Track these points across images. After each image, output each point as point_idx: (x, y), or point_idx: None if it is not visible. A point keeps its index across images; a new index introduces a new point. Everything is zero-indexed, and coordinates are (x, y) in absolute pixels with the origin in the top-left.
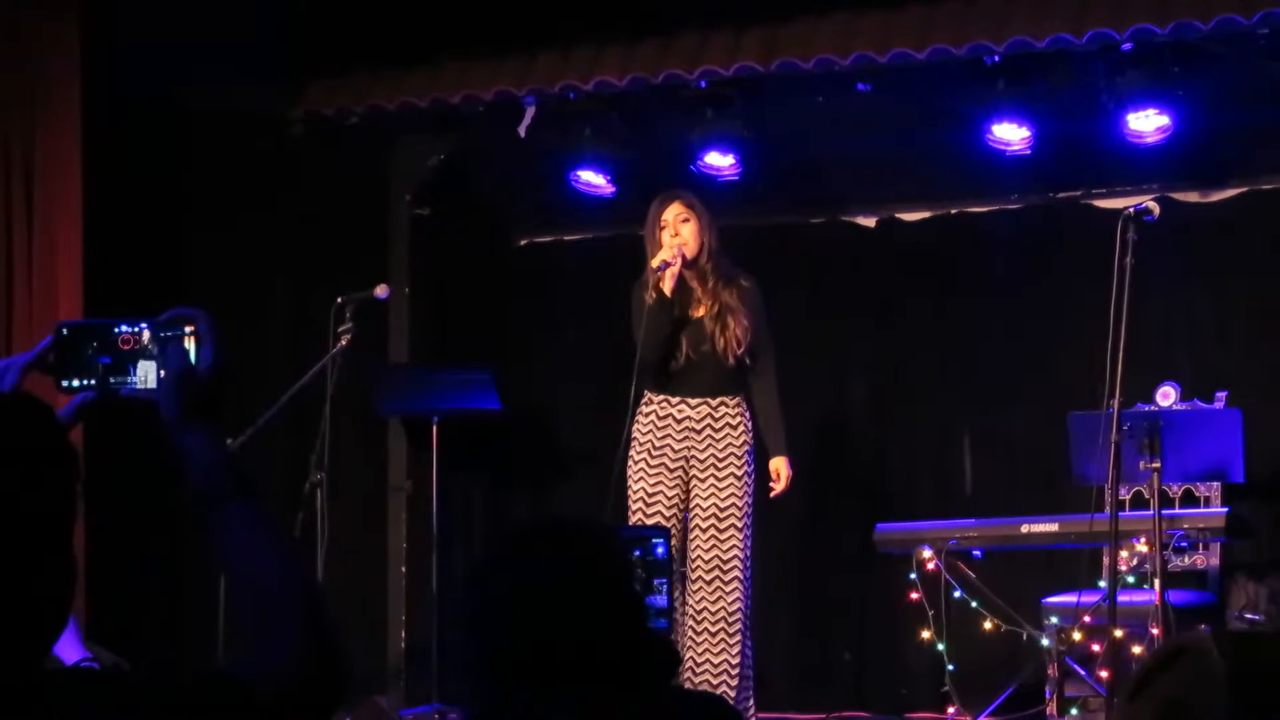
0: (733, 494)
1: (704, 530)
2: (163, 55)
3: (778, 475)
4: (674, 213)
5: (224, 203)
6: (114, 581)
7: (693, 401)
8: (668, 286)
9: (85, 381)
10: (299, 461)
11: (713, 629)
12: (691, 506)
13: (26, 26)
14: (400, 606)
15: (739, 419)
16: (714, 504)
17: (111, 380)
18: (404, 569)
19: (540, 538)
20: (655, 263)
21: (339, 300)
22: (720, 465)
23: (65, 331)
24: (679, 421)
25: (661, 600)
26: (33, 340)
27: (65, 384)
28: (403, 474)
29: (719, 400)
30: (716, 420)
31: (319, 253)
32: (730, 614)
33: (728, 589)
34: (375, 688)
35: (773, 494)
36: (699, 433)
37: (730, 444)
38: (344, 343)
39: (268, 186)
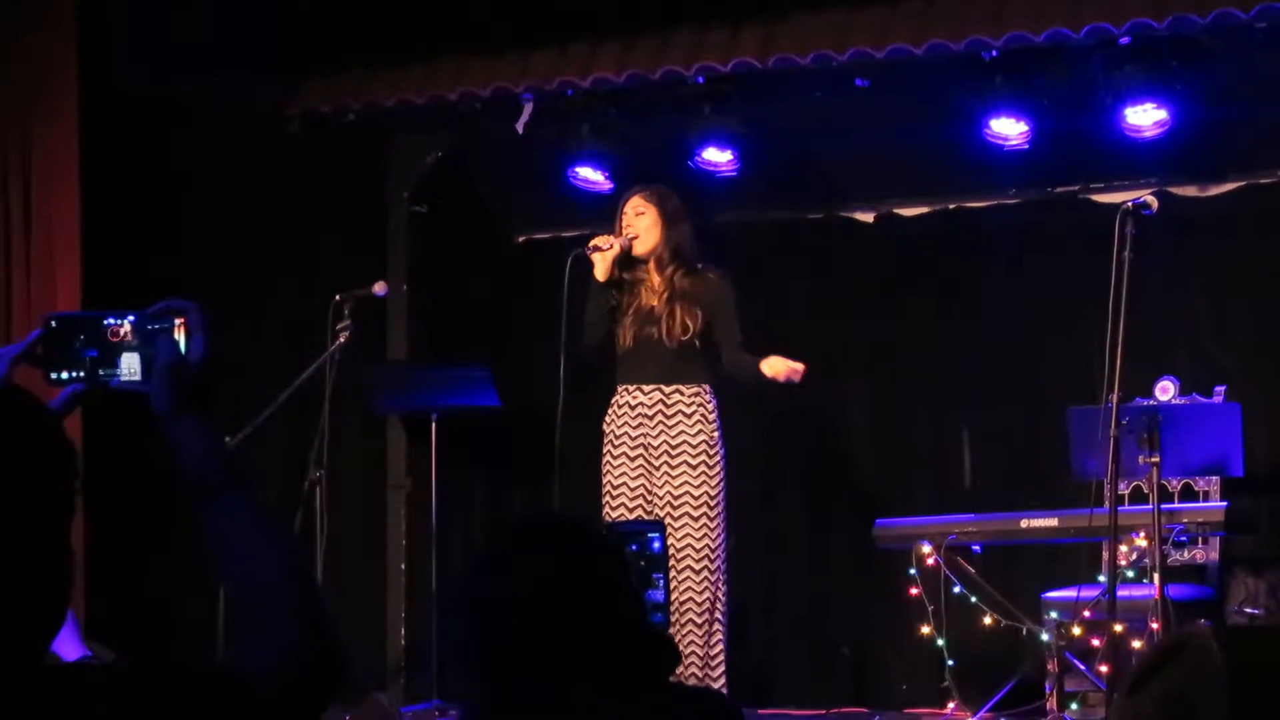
0: (687, 483)
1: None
2: (160, 52)
3: (780, 365)
4: (631, 205)
5: (221, 200)
6: (113, 578)
7: (645, 388)
8: (599, 271)
9: (74, 374)
10: (298, 459)
11: (680, 619)
12: (652, 496)
13: (24, 23)
14: (400, 604)
15: (696, 408)
16: (669, 493)
17: (100, 373)
18: (403, 566)
19: (538, 534)
20: (589, 245)
21: (337, 297)
22: (674, 454)
23: (54, 324)
24: (633, 409)
25: (659, 595)
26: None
27: (54, 376)
28: (402, 471)
29: (672, 388)
30: (669, 408)
31: (317, 250)
32: (698, 604)
33: (696, 579)
34: (375, 685)
35: (793, 373)
36: (651, 419)
37: (684, 432)
38: (342, 340)
39: (265, 184)
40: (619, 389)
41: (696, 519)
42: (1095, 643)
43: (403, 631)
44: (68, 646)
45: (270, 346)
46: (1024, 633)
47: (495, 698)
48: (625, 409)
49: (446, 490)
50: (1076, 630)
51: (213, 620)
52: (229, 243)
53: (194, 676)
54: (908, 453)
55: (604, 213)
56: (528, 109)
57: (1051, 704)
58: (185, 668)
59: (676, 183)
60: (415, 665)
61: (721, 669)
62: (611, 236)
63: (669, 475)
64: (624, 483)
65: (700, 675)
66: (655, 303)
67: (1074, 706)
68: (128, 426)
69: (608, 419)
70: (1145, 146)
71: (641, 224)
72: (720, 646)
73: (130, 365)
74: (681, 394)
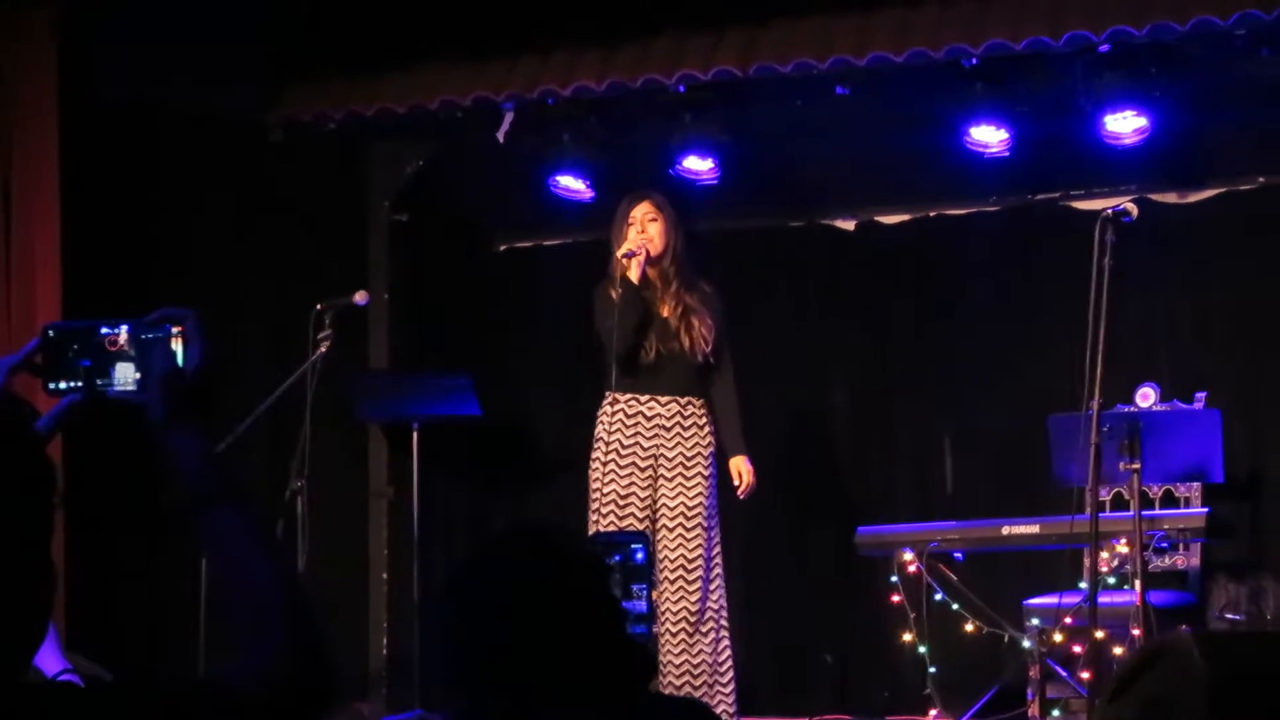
0: (700, 493)
1: (671, 530)
2: (141, 60)
3: (739, 475)
4: (643, 211)
5: (202, 209)
6: (94, 590)
7: (663, 399)
8: (635, 275)
9: (72, 384)
10: (279, 469)
11: (674, 629)
12: (659, 506)
13: (2, 30)
14: (382, 613)
15: (704, 419)
16: (682, 503)
17: (98, 382)
18: (385, 575)
19: (518, 545)
20: (620, 251)
21: (318, 307)
22: (688, 464)
23: (52, 333)
24: (649, 419)
25: (641, 606)
26: (11, 342)
27: (53, 386)
28: (383, 480)
29: (686, 399)
30: (685, 419)
31: (297, 259)
32: (691, 614)
33: (691, 589)
34: (357, 694)
35: (740, 493)
36: (669, 431)
37: (697, 444)
38: (323, 349)
39: (246, 192)
40: (624, 397)
41: (707, 529)
42: (1077, 649)
43: (385, 641)
44: (49, 660)
45: (251, 356)
46: (1006, 639)
47: (476, 707)
48: (640, 418)
49: (428, 499)
50: (1058, 637)
51: (194, 631)
52: (210, 252)
53: (179, 690)
54: (889, 460)
55: (586, 221)
56: (508, 118)
57: (1034, 711)
58: (170, 681)
59: (658, 191)
60: (397, 675)
61: (731, 675)
62: (637, 241)
63: (683, 485)
64: (633, 493)
65: (709, 683)
66: (666, 313)
67: (1056, 713)
68: (110, 439)
69: (608, 427)
70: (1125, 153)
71: (655, 229)
72: (729, 654)
73: (125, 374)
74: (694, 405)
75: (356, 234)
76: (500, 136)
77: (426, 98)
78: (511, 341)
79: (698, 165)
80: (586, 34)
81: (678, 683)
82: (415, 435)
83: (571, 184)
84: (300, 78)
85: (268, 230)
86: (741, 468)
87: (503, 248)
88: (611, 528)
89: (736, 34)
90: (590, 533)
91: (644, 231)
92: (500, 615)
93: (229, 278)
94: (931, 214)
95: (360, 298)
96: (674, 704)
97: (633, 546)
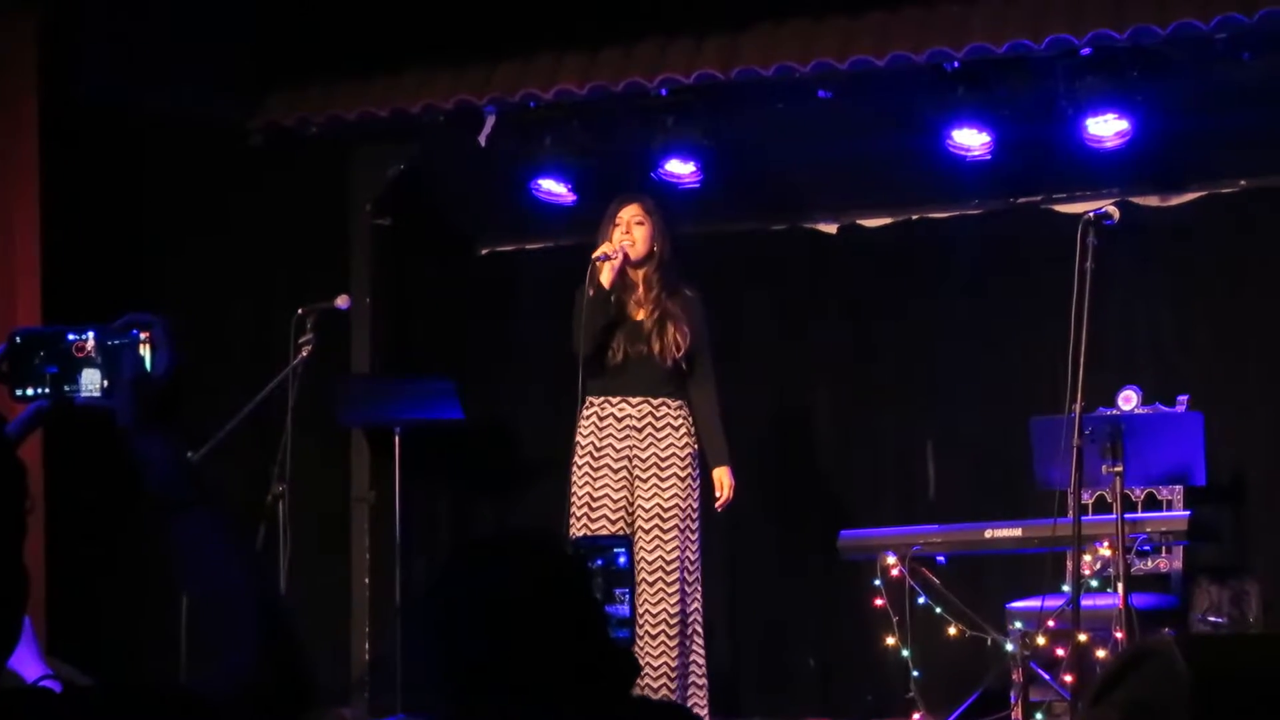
0: (675, 495)
1: (647, 532)
2: (123, 65)
3: (721, 485)
4: (630, 213)
5: (183, 214)
6: (74, 595)
7: (633, 400)
8: (606, 279)
9: (39, 390)
10: (261, 474)
11: (653, 631)
12: (635, 508)
13: None
14: (364, 618)
15: (681, 421)
16: (657, 505)
17: (66, 389)
18: (367, 580)
19: (501, 549)
20: (596, 254)
21: (300, 311)
22: (663, 466)
23: (19, 339)
24: (620, 421)
25: (624, 610)
26: None
27: (20, 393)
28: (365, 485)
29: (660, 400)
30: (658, 420)
31: (279, 264)
32: (671, 616)
33: (670, 591)
34: (339, 699)
35: (718, 504)
36: (640, 431)
37: (672, 445)
38: (305, 354)
39: (227, 197)
40: (597, 400)
41: (684, 531)
42: (1060, 652)
43: (367, 645)
44: (28, 665)
45: (232, 360)
46: (989, 643)
47: (459, 711)
48: (611, 420)
49: (410, 504)
50: (1041, 640)
51: (175, 637)
52: (191, 256)
53: (156, 698)
54: (872, 464)
55: (568, 225)
56: (490, 121)
57: (1017, 714)
58: (148, 689)
59: (649, 195)
60: (379, 679)
61: (704, 681)
62: (610, 245)
63: (658, 487)
64: (605, 495)
65: (673, 688)
66: (642, 316)
67: (1039, 716)
68: (88, 443)
69: (583, 431)
70: (1107, 157)
71: (639, 233)
72: (704, 658)
73: (91, 380)
74: (668, 407)
75: (338, 238)
76: (482, 140)
77: (408, 102)
78: (494, 345)
79: (680, 169)
80: (568, 38)
81: (655, 685)
82: (397, 439)
83: (553, 188)
84: (282, 82)
85: (249, 235)
86: (724, 479)
87: (484, 251)
88: (584, 531)
89: (718, 37)
90: (571, 536)
91: (629, 233)
92: (483, 619)
93: (210, 282)
94: (914, 217)
95: (342, 302)
96: (656, 708)
97: (615, 550)
